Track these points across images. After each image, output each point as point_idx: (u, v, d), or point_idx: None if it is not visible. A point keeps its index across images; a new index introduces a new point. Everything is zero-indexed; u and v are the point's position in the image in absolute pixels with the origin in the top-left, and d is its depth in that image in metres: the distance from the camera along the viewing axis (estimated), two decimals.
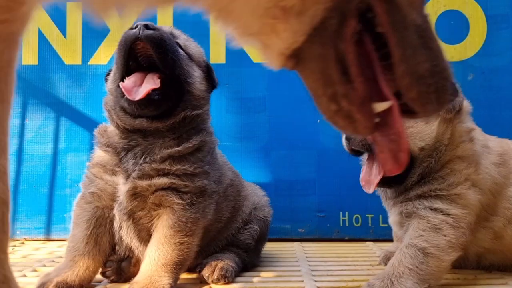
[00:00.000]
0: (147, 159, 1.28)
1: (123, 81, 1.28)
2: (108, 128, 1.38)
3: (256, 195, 1.71)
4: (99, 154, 1.36)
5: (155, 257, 1.25)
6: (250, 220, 1.60)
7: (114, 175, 1.30)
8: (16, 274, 1.46)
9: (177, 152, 1.29)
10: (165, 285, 1.21)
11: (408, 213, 1.35)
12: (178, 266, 1.28)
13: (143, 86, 1.25)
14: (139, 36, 1.25)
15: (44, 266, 1.63)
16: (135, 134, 1.31)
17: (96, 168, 1.33)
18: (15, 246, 2.05)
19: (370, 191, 1.40)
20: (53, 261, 1.69)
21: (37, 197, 2.21)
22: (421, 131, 1.36)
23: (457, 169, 1.36)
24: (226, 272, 1.34)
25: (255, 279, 1.44)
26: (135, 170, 1.27)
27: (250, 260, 1.56)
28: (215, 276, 1.33)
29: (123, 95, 1.27)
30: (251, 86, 2.22)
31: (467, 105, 1.46)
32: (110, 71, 1.48)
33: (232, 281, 1.37)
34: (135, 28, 1.26)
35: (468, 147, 1.39)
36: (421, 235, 1.28)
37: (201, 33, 2.24)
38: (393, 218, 1.45)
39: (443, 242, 1.26)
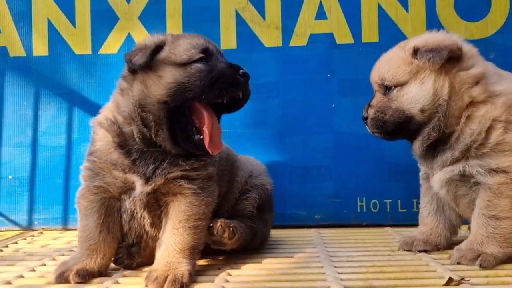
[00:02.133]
0: (166, 164, 1.31)
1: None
2: (124, 128, 1.34)
3: (250, 163, 1.71)
4: (107, 151, 1.34)
5: (171, 243, 1.28)
6: (247, 189, 1.60)
7: (125, 173, 1.32)
8: (36, 263, 1.53)
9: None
10: (185, 271, 1.23)
11: (465, 175, 1.41)
12: (195, 251, 1.31)
13: (220, 141, 1.34)
14: (242, 87, 1.34)
15: (63, 255, 1.67)
16: (157, 146, 1.33)
17: (103, 164, 1.34)
18: (33, 236, 2.09)
19: None
20: (71, 250, 1.72)
21: (53, 188, 2.24)
22: (415, 95, 1.42)
23: (477, 114, 1.39)
24: (229, 224, 1.39)
25: (275, 266, 1.44)
26: (156, 175, 1.30)
27: (257, 227, 1.56)
28: (218, 224, 1.36)
29: (195, 134, 1.29)
30: (263, 72, 2.20)
31: (469, 50, 1.45)
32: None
33: (240, 238, 1.40)
34: (242, 76, 1.34)
35: (477, 91, 1.40)
36: (488, 205, 1.38)
37: (211, 18, 2.23)
38: (439, 179, 1.48)
39: (506, 203, 1.36)
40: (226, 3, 2.22)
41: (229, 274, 1.34)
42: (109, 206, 1.36)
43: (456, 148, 1.41)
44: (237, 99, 1.34)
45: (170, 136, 1.29)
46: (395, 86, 1.46)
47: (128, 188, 1.34)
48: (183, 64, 1.30)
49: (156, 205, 1.35)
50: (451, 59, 1.41)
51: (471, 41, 2.06)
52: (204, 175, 1.34)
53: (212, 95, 1.29)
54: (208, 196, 1.34)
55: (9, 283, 1.31)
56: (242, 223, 1.49)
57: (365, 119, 1.54)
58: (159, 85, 1.29)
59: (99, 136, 1.37)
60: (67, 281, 1.26)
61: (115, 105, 1.38)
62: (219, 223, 1.37)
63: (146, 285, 1.22)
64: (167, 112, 1.29)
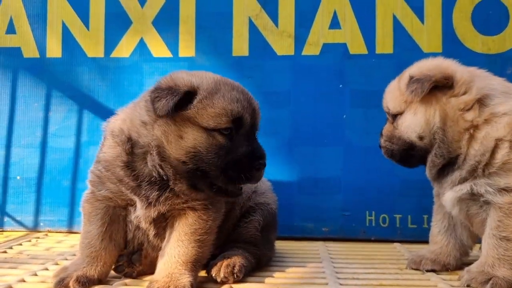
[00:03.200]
0: (170, 194, 1.28)
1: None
2: (137, 150, 1.28)
3: None
4: (115, 164, 1.30)
5: (175, 254, 1.27)
6: (251, 206, 1.56)
7: (129, 192, 1.29)
8: (38, 267, 1.53)
9: None
10: (186, 283, 1.21)
11: (474, 193, 1.41)
12: (197, 264, 1.30)
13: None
14: (256, 179, 1.30)
15: (66, 259, 1.67)
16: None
17: (110, 176, 1.31)
18: (38, 238, 2.11)
19: None
20: (74, 255, 1.72)
21: (60, 190, 2.26)
22: (410, 124, 1.48)
23: (479, 136, 1.40)
24: (233, 269, 1.34)
25: (279, 281, 1.42)
26: (160, 202, 1.28)
27: (262, 253, 1.54)
28: (221, 275, 1.33)
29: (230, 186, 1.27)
30: (275, 80, 2.20)
31: (461, 76, 1.45)
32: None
33: (243, 277, 1.36)
34: (258, 170, 1.28)
35: (472, 115, 1.41)
36: (498, 225, 1.36)
37: (224, 25, 2.24)
38: (450, 197, 1.48)
39: None
40: (239, 10, 2.23)
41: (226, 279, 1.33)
42: (114, 214, 1.35)
43: (463, 168, 1.42)
44: None
45: (189, 186, 1.26)
46: (398, 115, 1.52)
47: (134, 203, 1.33)
48: (207, 129, 1.22)
49: (162, 218, 1.33)
50: (439, 87, 1.44)
51: (487, 56, 2.09)
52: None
53: (222, 177, 1.23)
54: (217, 211, 1.33)
55: (10, 287, 1.32)
56: (247, 253, 1.45)
57: (380, 147, 1.61)
58: (179, 146, 1.22)
59: (109, 145, 1.33)
60: (66, 287, 1.26)
61: (133, 123, 1.30)
62: (223, 274, 1.32)
63: None
64: (186, 171, 1.24)
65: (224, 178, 1.23)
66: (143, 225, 1.34)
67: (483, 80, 1.49)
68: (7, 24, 2.31)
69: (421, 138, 1.47)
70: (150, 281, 1.25)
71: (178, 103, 1.19)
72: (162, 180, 1.26)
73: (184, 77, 1.27)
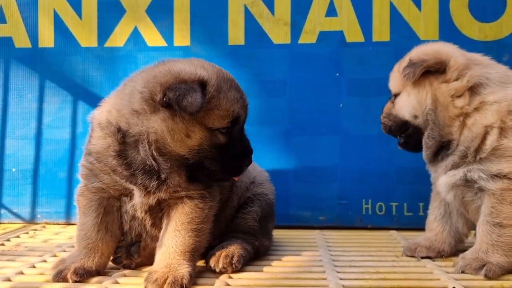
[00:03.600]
0: (170, 184, 1.28)
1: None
2: (128, 139, 1.26)
3: (253, 169, 1.65)
4: (106, 154, 1.28)
5: (172, 245, 1.27)
6: (249, 197, 1.57)
7: (124, 181, 1.29)
8: (36, 260, 1.54)
9: None
10: (185, 273, 1.22)
11: (468, 179, 1.43)
12: (195, 253, 1.31)
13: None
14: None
15: (64, 251, 1.68)
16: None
17: (102, 167, 1.30)
18: (36, 230, 2.11)
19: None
20: (73, 246, 1.70)
21: (56, 182, 2.25)
22: (404, 104, 1.54)
23: (469, 123, 1.43)
24: (232, 259, 1.35)
25: (277, 269, 1.44)
26: (160, 190, 1.28)
27: (260, 243, 1.55)
28: (220, 265, 1.34)
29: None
30: (271, 68, 2.19)
31: (455, 62, 1.47)
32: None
33: (241, 267, 1.37)
34: (246, 166, 1.35)
35: (462, 102, 1.44)
36: (492, 211, 1.38)
37: (219, 13, 2.21)
38: (443, 182, 1.51)
39: (510, 210, 1.35)
40: None
41: (230, 277, 1.34)
42: (108, 205, 1.35)
43: (456, 153, 1.45)
44: None
45: (187, 178, 1.29)
46: (396, 95, 1.59)
47: (128, 193, 1.33)
48: (211, 129, 1.25)
49: (158, 208, 1.34)
50: (432, 72, 1.47)
51: (484, 43, 2.09)
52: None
53: (219, 170, 1.28)
54: (213, 199, 1.34)
55: (8, 279, 1.32)
56: (246, 243, 1.46)
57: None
58: (184, 144, 1.24)
59: (98, 136, 1.31)
60: (65, 279, 1.26)
61: (121, 112, 1.27)
62: (221, 264, 1.34)
63: (145, 287, 1.22)
64: (186, 166, 1.27)
65: (221, 170, 1.28)
66: (139, 214, 1.34)
67: (480, 68, 1.49)
68: None
69: (415, 117, 1.52)
70: (149, 272, 1.25)
71: (203, 97, 1.20)
72: (156, 170, 1.27)
73: (191, 70, 1.26)
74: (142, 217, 1.35)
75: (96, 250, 1.33)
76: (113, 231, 1.37)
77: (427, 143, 1.51)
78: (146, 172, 1.27)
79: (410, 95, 1.52)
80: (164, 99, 1.19)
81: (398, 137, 1.62)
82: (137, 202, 1.31)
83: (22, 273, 1.39)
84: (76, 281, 1.26)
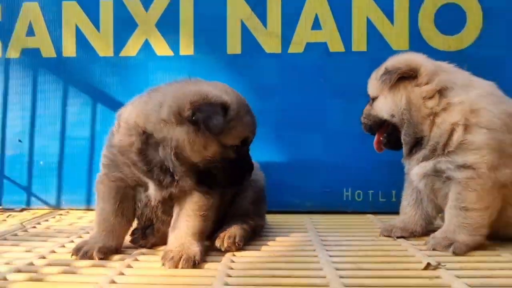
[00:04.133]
0: (183, 179, 1.27)
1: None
2: (151, 140, 1.25)
3: None
4: (129, 149, 1.27)
5: (185, 228, 1.28)
6: (244, 184, 1.53)
7: (143, 175, 1.28)
8: (65, 240, 1.50)
9: None
10: (197, 251, 1.22)
11: (437, 170, 1.43)
12: (203, 235, 1.31)
13: None
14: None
15: (87, 233, 1.64)
16: None
17: (123, 159, 1.28)
18: (61, 215, 2.07)
19: (378, 150, 1.64)
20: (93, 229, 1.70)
21: (78, 173, 2.21)
22: (382, 105, 1.53)
23: (437, 121, 1.43)
24: (234, 239, 1.35)
25: (274, 248, 1.42)
26: (173, 185, 1.27)
27: (256, 223, 1.54)
28: (225, 245, 1.33)
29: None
30: (264, 75, 2.16)
31: (425, 69, 1.47)
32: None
33: (242, 246, 1.36)
34: (247, 180, 1.39)
35: (432, 103, 1.43)
36: (458, 197, 1.37)
37: (219, 26, 2.18)
38: (416, 173, 1.50)
39: (473, 196, 1.34)
40: (232, 13, 2.17)
41: (234, 255, 1.32)
42: (125, 193, 1.33)
43: (427, 148, 1.45)
44: None
45: (197, 181, 1.29)
46: (374, 99, 1.57)
47: (144, 184, 1.31)
48: (225, 146, 1.26)
49: (169, 198, 1.32)
50: (405, 78, 1.47)
51: (448, 53, 2.07)
52: None
53: (225, 179, 1.30)
54: (216, 191, 1.34)
55: (43, 257, 1.30)
56: (244, 224, 1.45)
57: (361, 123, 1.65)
58: (200, 154, 1.24)
59: (124, 133, 1.29)
60: (91, 257, 1.25)
61: (149, 119, 1.25)
62: (226, 244, 1.34)
63: (163, 264, 1.19)
64: (199, 171, 1.27)
65: (226, 180, 1.30)
66: (153, 203, 1.33)
67: (447, 74, 1.49)
68: (27, 27, 2.24)
69: (392, 116, 1.51)
70: (165, 251, 1.23)
71: (224, 118, 1.21)
72: (170, 171, 1.26)
73: (217, 94, 1.25)
74: (154, 205, 1.33)
75: (114, 232, 1.32)
76: (128, 216, 1.35)
77: (405, 139, 1.49)
78: (162, 170, 1.26)
79: (387, 98, 1.50)
80: (193, 117, 1.19)
81: (381, 137, 1.59)
82: (151, 193, 1.30)
83: (54, 251, 1.38)
84: (101, 259, 1.25)
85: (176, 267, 1.17)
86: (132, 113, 1.30)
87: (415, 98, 1.45)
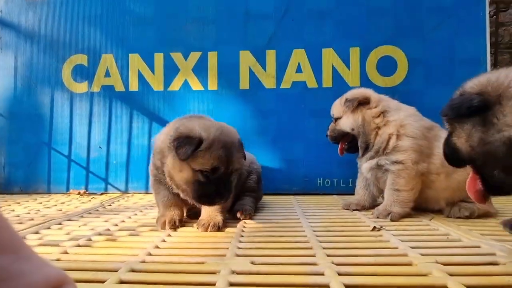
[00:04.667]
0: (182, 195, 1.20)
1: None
2: (163, 164, 1.18)
3: (249, 154, 1.57)
4: (156, 169, 1.21)
5: (211, 207, 1.24)
6: (250, 171, 1.54)
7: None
8: (131, 213, 1.53)
9: None
10: (220, 220, 1.21)
11: (379, 165, 1.44)
12: (224, 210, 1.29)
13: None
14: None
15: (146, 209, 1.66)
16: None
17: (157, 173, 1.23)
18: (128, 197, 2.08)
19: (340, 154, 1.61)
20: (151, 206, 1.72)
21: (139, 169, 2.23)
22: (344, 122, 1.51)
23: (379, 132, 1.45)
24: (249, 211, 1.35)
25: (271, 218, 1.43)
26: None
27: (257, 195, 1.54)
28: (243, 216, 1.33)
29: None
30: (265, 103, 2.19)
31: (374, 97, 1.50)
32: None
33: (254, 215, 1.36)
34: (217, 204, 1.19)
35: (378, 121, 1.46)
36: (393, 182, 1.39)
37: (234, 70, 2.21)
38: (365, 167, 1.49)
39: (403, 181, 1.37)
40: (243, 62, 2.20)
41: (245, 223, 1.33)
42: (168, 189, 1.27)
43: (372, 150, 1.47)
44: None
45: (196, 200, 1.16)
46: (338, 119, 1.56)
47: None
48: (195, 170, 1.10)
49: None
50: (362, 104, 1.48)
51: (385, 88, 2.12)
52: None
53: (197, 199, 1.14)
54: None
55: (116, 225, 1.31)
56: (252, 198, 1.44)
57: (326, 136, 1.63)
58: (179, 176, 1.12)
59: (153, 155, 1.25)
60: (163, 227, 1.21)
61: (164, 145, 1.17)
62: (244, 216, 1.31)
63: (197, 228, 1.20)
64: (181, 190, 1.16)
65: (198, 200, 1.14)
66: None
67: (386, 101, 1.53)
68: (105, 71, 2.27)
69: (352, 129, 1.50)
70: (199, 220, 1.24)
71: (193, 151, 1.07)
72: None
73: (196, 129, 1.11)
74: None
75: (173, 208, 1.26)
76: (178, 202, 1.28)
77: (361, 145, 1.51)
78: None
79: (349, 118, 1.51)
80: (173, 145, 1.10)
81: (344, 145, 1.59)
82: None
83: (123, 221, 1.38)
84: (171, 228, 1.21)
85: (206, 230, 1.15)
86: (158, 140, 1.25)
87: (367, 117, 1.47)
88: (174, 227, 1.21)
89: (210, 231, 1.16)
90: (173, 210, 1.27)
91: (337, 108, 1.59)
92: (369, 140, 1.47)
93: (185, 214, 1.37)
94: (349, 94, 1.56)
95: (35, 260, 0.33)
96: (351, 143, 1.55)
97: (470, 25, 2.08)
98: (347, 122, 1.51)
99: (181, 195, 1.20)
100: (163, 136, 1.22)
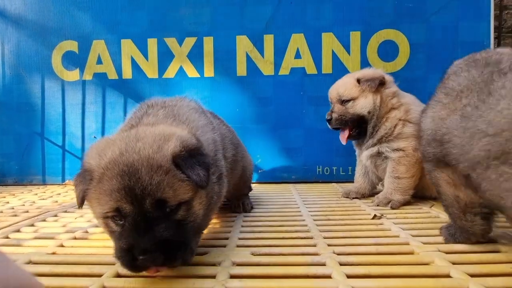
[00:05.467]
0: None
1: None
2: None
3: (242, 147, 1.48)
4: None
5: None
6: (244, 165, 1.44)
7: None
8: None
9: None
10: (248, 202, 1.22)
11: (379, 152, 1.42)
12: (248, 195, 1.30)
13: None
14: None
15: None
16: None
17: None
18: None
19: (344, 143, 1.52)
20: None
21: None
22: (363, 103, 1.43)
23: (391, 116, 1.41)
24: (246, 206, 1.33)
25: (271, 207, 1.43)
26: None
27: (249, 185, 1.48)
28: (242, 210, 1.32)
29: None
30: (263, 90, 2.15)
31: (388, 78, 1.47)
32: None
33: (252, 208, 1.35)
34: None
35: (394, 101, 1.42)
36: (393, 170, 1.38)
37: (231, 56, 2.15)
38: (365, 155, 1.47)
39: (403, 169, 1.36)
40: (240, 47, 2.14)
41: (245, 215, 1.31)
42: None
43: (375, 138, 1.43)
44: None
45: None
46: (349, 100, 1.47)
47: None
48: (101, 217, 0.70)
49: None
50: (380, 84, 1.43)
51: (387, 74, 2.07)
52: None
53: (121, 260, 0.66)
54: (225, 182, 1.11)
55: None
56: (247, 192, 1.42)
57: (328, 120, 1.53)
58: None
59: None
60: None
61: None
62: (242, 209, 1.31)
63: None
64: None
65: (121, 261, 0.66)
66: None
67: (393, 83, 1.50)
68: (97, 58, 2.20)
69: (369, 112, 1.42)
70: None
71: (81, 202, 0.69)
72: None
73: (88, 155, 0.73)
74: None
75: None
76: None
77: (369, 130, 1.45)
78: None
79: (368, 98, 1.41)
80: None
81: (351, 131, 1.47)
82: None
83: None
84: None
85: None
86: None
87: (385, 97, 1.42)
88: None
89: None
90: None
91: (349, 88, 1.44)
92: (379, 124, 1.42)
93: None
94: (362, 74, 1.47)
95: None
96: (360, 129, 1.45)
97: (474, 8, 2.02)
98: (365, 104, 1.41)
99: None
100: None
